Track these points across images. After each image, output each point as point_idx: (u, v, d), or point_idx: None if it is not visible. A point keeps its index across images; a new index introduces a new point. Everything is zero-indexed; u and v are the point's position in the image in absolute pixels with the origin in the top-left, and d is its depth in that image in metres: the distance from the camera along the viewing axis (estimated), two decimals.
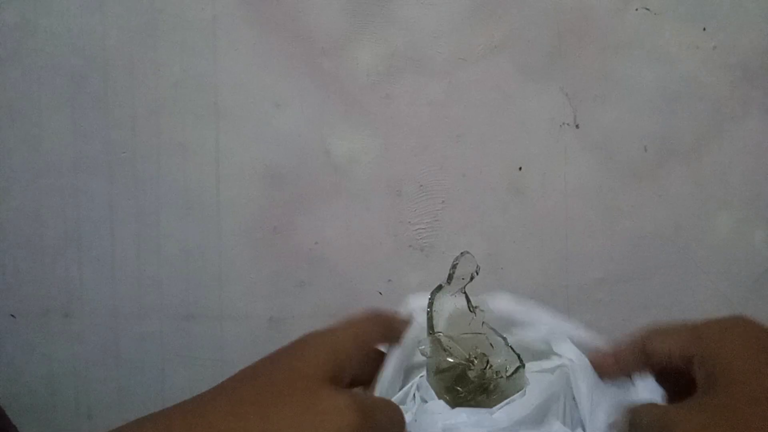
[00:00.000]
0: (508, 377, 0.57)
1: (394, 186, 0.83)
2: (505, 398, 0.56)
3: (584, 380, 0.58)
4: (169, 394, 0.87)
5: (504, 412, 0.52)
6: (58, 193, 0.84)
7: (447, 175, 0.82)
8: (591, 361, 0.39)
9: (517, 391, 0.57)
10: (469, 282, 0.61)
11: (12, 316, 0.86)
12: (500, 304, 0.64)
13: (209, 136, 0.83)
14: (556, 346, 0.65)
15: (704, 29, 0.80)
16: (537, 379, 0.60)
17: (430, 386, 0.60)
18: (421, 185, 0.83)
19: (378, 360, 0.40)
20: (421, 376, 0.61)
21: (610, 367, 0.39)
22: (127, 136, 0.83)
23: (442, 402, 0.57)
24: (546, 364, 0.63)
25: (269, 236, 0.84)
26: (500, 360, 0.59)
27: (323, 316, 0.83)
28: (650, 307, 0.84)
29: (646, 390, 0.51)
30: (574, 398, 0.59)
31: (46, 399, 0.88)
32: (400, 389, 0.62)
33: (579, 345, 0.63)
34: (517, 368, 0.57)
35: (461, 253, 0.62)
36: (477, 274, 0.61)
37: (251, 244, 0.84)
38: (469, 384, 0.57)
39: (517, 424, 0.52)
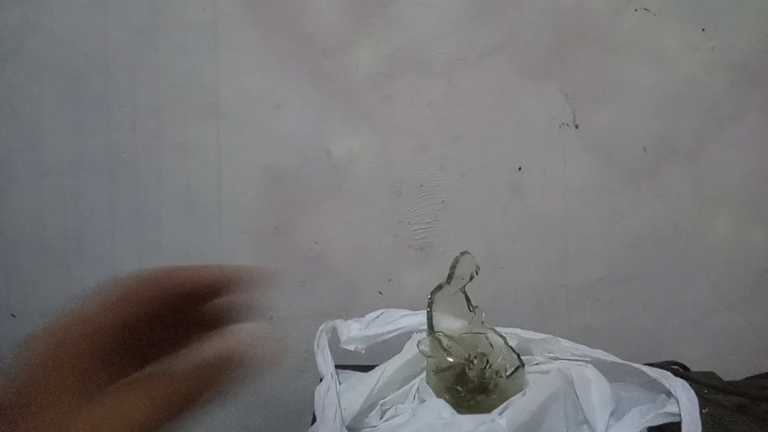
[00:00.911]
0: (507, 377, 0.57)
1: (394, 186, 0.83)
2: (505, 398, 0.57)
3: (595, 387, 0.59)
4: None
5: (504, 419, 0.52)
6: (59, 194, 0.85)
7: (446, 175, 0.83)
8: None
9: (518, 391, 0.57)
10: (468, 282, 0.62)
11: (13, 315, 0.87)
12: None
13: (210, 137, 0.83)
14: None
15: (703, 30, 0.80)
16: (535, 379, 0.60)
17: (429, 386, 0.60)
18: (421, 185, 0.83)
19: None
20: (422, 378, 0.61)
21: None
22: (128, 136, 0.83)
23: (441, 401, 0.57)
24: (543, 366, 0.63)
25: (270, 236, 0.84)
26: (500, 360, 0.59)
27: (323, 316, 0.83)
28: (649, 306, 0.85)
29: (684, 393, 0.52)
30: (573, 397, 0.60)
31: None
32: (399, 389, 0.62)
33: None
34: (517, 368, 0.58)
35: (461, 253, 0.62)
36: (477, 273, 0.62)
37: (252, 243, 0.85)
38: (468, 383, 0.57)
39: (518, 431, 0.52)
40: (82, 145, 0.83)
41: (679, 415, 0.51)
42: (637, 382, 0.60)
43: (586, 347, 0.63)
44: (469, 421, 0.54)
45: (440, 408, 0.58)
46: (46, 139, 0.84)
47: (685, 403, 0.52)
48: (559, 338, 0.64)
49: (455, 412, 0.56)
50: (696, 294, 0.84)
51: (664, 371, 0.57)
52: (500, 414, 0.55)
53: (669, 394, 0.54)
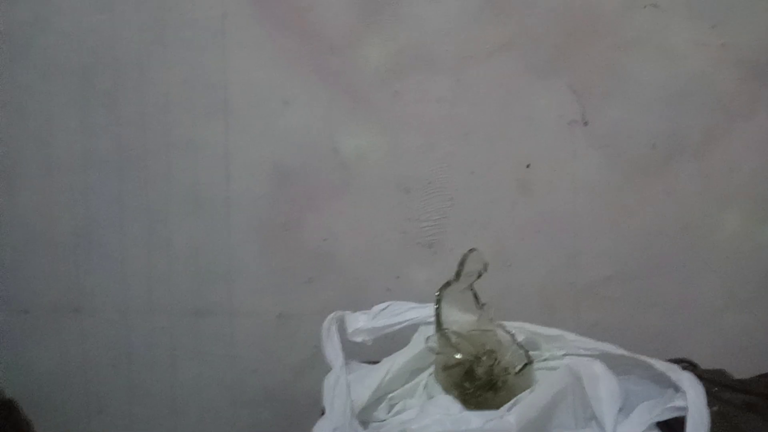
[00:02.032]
0: (516, 374, 0.57)
1: (402, 183, 0.83)
2: (513, 395, 0.56)
3: (604, 382, 0.58)
4: (180, 390, 0.87)
5: (513, 415, 0.52)
6: (68, 191, 0.85)
7: (455, 172, 0.82)
8: None
9: (526, 388, 0.57)
10: (477, 279, 0.61)
11: (24, 311, 0.87)
12: None
13: (218, 134, 0.83)
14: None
15: (713, 26, 0.80)
16: (543, 376, 0.60)
17: (437, 382, 0.60)
18: (429, 182, 0.83)
19: None
20: (430, 374, 0.61)
21: None
22: (136, 133, 0.84)
23: (449, 397, 0.57)
24: (551, 362, 0.63)
25: (278, 233, 0.84)
26: (508, 357, 0.59)
27: (331, 313, 0.83)
28: (657, 304, 0.84)
29: (691, 386, 0.51)
30: (581, 393, 0.59)
31: (57, 394, 0.88)
32: (407, 382, 0.62)
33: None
34: (525, 365, 0.57)
35: (469, 250, 0.62)
36: (485, 270, 0.61)
37: (260, 240, 0.85)
38: (476, 380, 0.57)
39: (526, 428, 0.51)
40: (91, 141, 0.84)
41: (686, 408, 0.51)
42: (645, 376, 0.59)
43: (594, 341, 0.62)
44: (477, 417, 0.54)
45: (448, 404, 0.57)
46: (54, 136, 0.84)
47: (692, 397, 0.51)
48: (567, 332, 0.63)
49: (463, 409, 0.56)
50: (705, 292, 0.84)
51: (672, 365, 0.57)
52: (509, 410, 0.54)
53: (677, 388, 0.54)
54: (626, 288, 0.84)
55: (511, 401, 0.56)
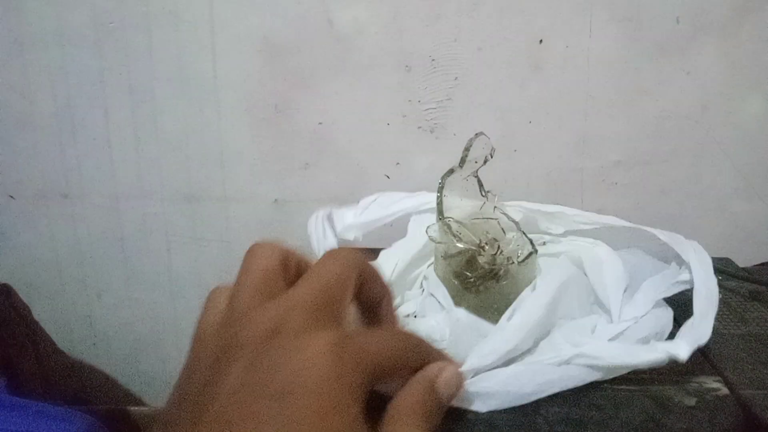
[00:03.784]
0: (519, 263, 0.55)
1: (403, 60, 0.77)
2: (516, 284, 0.55)
3: (610, 269, 0.57)
4: (176, 275, 0.87)
5: (516, 322, 0.49)
6: (44, 68, 0.79)
7: (461, 48, 0.76)
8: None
9: (529, 276, 0.55)
10: (482, 165, 0.58)
11: (11, 197, 0.85)
12: None
13: (203, 4, 0.76)
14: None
15: None
16: (545, 264, 0.58)
17: (437, 272, 0.58)
18: (433, 59, 0.77)
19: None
20: (429, 265, 0.59)
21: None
22: (114, 4, 0.76)
23: (461, 309, 0.54)
24: (551, 248, 0.61)
25: (271, 115, 0.80)
26: (512, 245, 0.57)
27: (329, 200, 0.81)
28: (667, 191, 0.82)
29: (696, 257, 0.49)
30: (585, 281, 0.58)
31: (53, 281, 0.89)
32: (406, 274, 0.60)
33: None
34: (530, 254, 0.56)
35: (476, 134, 0.58)
36: (491, 156, 0.58)
37: (252, 122, 0.80)
38: (478, 269, 0.55)
39: (530, 333, 0.49)
40: (64, 13, 0.77)
41: (692, 281, 0.49)
42: (648, 250, 0.58)
43: (595, 214, 0.60)
44: (485, 325, 0.51)
45: (447, 303, 0.55)
46: (24, 7, 0.77)
47: (697, 268, 0.49)
48: (566, 207, 0.61)
49: (469, 314, 0.53)
50: (717, 178, 0.81)
51: (675, 234, 0.54)
52: (509, 319, 0.52)
53: (680, 261, 0.52)
54: (635, 174, 0.81)
55: (511, 307, 0.53)
